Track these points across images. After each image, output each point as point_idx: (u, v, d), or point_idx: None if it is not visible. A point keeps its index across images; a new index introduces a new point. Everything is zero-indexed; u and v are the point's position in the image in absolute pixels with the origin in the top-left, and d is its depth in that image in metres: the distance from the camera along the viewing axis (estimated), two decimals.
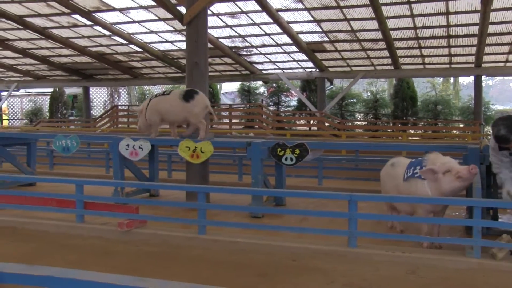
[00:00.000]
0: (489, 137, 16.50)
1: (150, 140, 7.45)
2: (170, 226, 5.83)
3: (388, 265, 4.51)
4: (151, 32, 14.74)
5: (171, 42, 15.62)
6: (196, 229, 5.42)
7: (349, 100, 20.24)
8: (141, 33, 14.89)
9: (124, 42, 15.45)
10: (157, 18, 13.40)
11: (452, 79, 24.64)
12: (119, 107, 20.87)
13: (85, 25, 14.31)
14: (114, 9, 13.04)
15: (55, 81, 21.16)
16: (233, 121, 18.96)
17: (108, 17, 13.69)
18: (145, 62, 17.91)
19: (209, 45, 12.48)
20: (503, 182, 4.86)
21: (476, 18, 11.79)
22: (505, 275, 4.26)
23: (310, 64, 16.50)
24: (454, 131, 17.24)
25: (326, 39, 14.32)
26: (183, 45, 11.77)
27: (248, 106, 20.60)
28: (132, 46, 15.81)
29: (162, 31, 14.66)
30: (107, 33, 14.72)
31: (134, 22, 13.94)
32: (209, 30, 13.17)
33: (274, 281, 4.18)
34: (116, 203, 6.37)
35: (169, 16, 12.09)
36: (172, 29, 14.26)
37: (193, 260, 4.78)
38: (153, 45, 15.98)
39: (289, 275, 4.29)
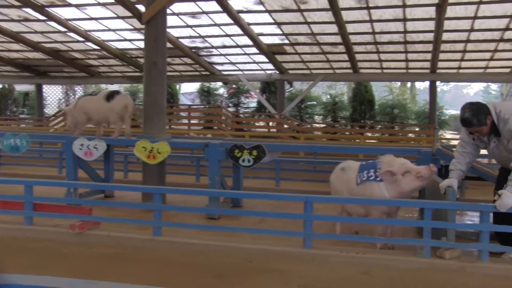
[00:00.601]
0: (443, 141, 16.99)
1: (106, 140, 7.31)
2: (125, 227, 5.72)
3: (343, 266, 4.56)
4: (109, 30, 14.45)
5: (130, 40, 15.36)
6: (151, 230, 5.33)
7: (308, 103, 20.39)
8: (98, 30, 14.57)
9: (81, 39, 15.05)
10: (115, 15, 13.15)
11: (409, 84, 25.16)
12: None
13: (38, 20, 13.83)
14: (70, 5, 12.68)
15: (4, 77, 20.26)
16: (191, 121, 18.82)
17: (64, 12, 13.30)
18: (102, 60, 17.55)
19: (169, 45, 12.37)
20: (449, 173, 4.98)
21: (431, 25, 12.05)
22: (453, 274, 4.40)
23: (270, 66, 16.53)
24: (410, 135, 17.59)
25: (286, 41, 14.37)
26: (142, 44, 11.58)
27: (207, 107, 20.50)
28: (89, 43, 15.44)
29: (121, 29, 14.40)
30: (63, 29, 14.30)
31: (91, 19, 13.61)
32: (168, 30, 13.02)
33: (230, 282, 4.16)
34: (69, 204, 6.21)
35: (128, 14, 11.88)
36: (131, 27, 14.03)
37: (148, 262, 4.70)
38: (111, 43, 15.67)
39: (245, 277, 4.27)
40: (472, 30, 12.30)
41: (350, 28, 12.75)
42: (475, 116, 4.56)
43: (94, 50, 16.22)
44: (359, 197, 5.18)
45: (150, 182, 7.25)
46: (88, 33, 14.67)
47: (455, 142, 18.11)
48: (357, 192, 5.24)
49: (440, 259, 4.59)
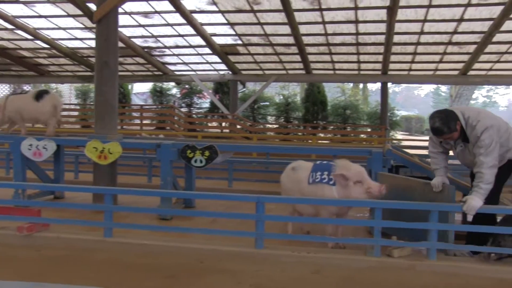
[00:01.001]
0: (394, 141, 17.40)
1: (56, 140, 7.18)
2: (75, 229, 5.65)
3: (294, 266, 4.61)
4: (59, 28, 14.14)
5: (81, 39, 15.07)
6: (102, 232, 5.27)
7: (261, 103, 20.52)
8: (48, 28, 14.24)
9: (29, 37, 14.67)
10: (65, 14, 12.89)
11: (361, 85, 25.64)
12: None
13: None
14: (17, 1, 12.35)
15: None
16: (144, 122, 18.62)
17: (11, 9, 12.95)
18: (52, 59, 17.13)
19: (121, 44, 12.21)
20: (434, 173, 5.15)
21: (382, 27, 12.35)
22: (402, 272, 4.52)
23: (223, 66, 16.54)
24: (362, 135, 17.94)
25: (239, 42, 14.43)
26: (93, 43, 11.37)
27: (159, 107, 20.33)
28: (38, 41, 15.06)
29: (71, 28, 14.11)
30: (10, 26, 13.91)
31: (40, 16, 13.29)
32: (120, 29, 12.89)
33: (182, 283, 4.16)
34: (16, 206, 6.07)
35: (79, 12, 11.70)
36: (82, 26, 13.78)
37: (99, 263, 4.65)
38: (61, 41, 15.34)
39: (197, 277, 4.28)
40: (422, 32, 12.69)
41: (302, 29, 12.91)
42: (445, 124, 4.65)
43: (44, 48, 15.83)
44: (310, 197, 5.25)
45: (101, 183, 7.16)
46: (37, 31, 14.32)
47: (407, 143, 18.66)
48: (308, 191, 5.29)
49: (390, 258, 4.71)
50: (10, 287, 2.03)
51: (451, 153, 5.14)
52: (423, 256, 4.78)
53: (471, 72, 15.17)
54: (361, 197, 5.02)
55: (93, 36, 11.57)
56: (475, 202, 4.49)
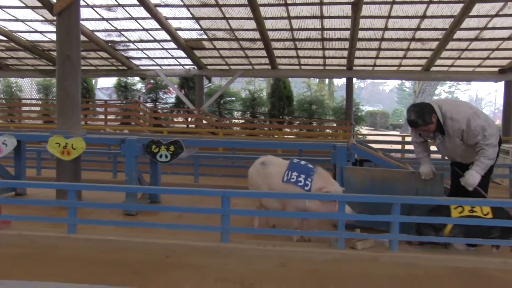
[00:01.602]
0: (359, 136, 17.60)
1: (17, 135, 7.01)
2: (37, 226, 5.52)
3: (260, 259, 4.63)
4: (17, 20, 13.79)
5: (41, 32, 14.75)
6: (66, 228, 5.18)
7: (227, 98, 20.51)
8: (5, 20, 13.86)
9: None
10: (23, 5, 12.58)
11: (327, 80, 25.88)
12: None
13: None
14: None
15: None
16: (108, 117, 18.38)
17: None
18: (11, 52, 16.70)
19: (83, 38, 11.98)
20: (420, 161, 5.36)
21: (347, 23, 12.48)
22: (365, 263, 4.60)
23: (188, 61, 16.45)
24: (327, 130, 18.11)
25: (204, 36, 14.36)
26: (54, 36, 11.12)
27: (124, 102, 20.09)
28: None
29: (30, 20, 13.78)
30: None
31: None
32: (83, 22, 12.68)
33: (147, 278, 4.12)
34: None
35: (38, 4, 11.42)
36: (42, 18, 13.48)
37: (63, 260, 4.56)
38: (20, 34, 14.97)
39: (162, 272, 4.25)
40: (386, 29, 12.89)
41: (268, 24, 12.95)
42: (420, 117, 4.83)
43: (1, 41, 15.41)
44: (276, 192, 5.27)
45: (65, 179, 7.02)
46: None
47: (371, 138, 18.93)
48: (280, 189, 5.26)
49: (354, 250, 4.77)
50: (12, 286, 1.97)
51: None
52: (386, 247, 4.86)
53: (434, 68, 15.49)
54: (330, 210, 5.03)
55: (54, 29, 11.35)
56: (476, 174, 4.72)
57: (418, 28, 12.73)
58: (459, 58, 14.73)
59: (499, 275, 4.36)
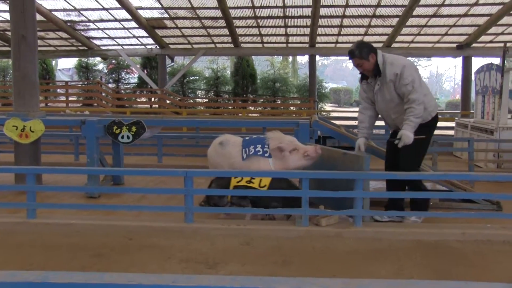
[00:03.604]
0: (323, 113, 17.70)
1: None
2: None
3: (224, 238, 4.64)
4: None
5: None
6: (25, 213, 5.08)
7: (191, 78, 20.35)
8: None
9: None
10: None
11: (290, 58, 25.89)
12: None
13: None
14: None
15: None
16: (70, 99, 18.02)
17: None
18: None
19: (40, 18, 11.66)
20: (358, 132, 5.39)
21: (309, 0, 12.46)
22: (329, 240, 4.63)
23: (150, 40, 16.21)
24: (291, 108, 18.18)
25: (166, 15, 14.16)
26: (8, 16, 10.67)
27: (86, 83, 19.72)
28: None
29: None
30: None
31: None
32: (40, 1, 12.32)
33: (110, 261, 4.10)
34: None
35: None
36: None
37: (21, 246, 4.48)
38: None
39: (125, 254, 4.23)
40: (347, 5, 12.96)
41: (230, 2, 12.86)
42: (358, 48, 4.97)
43: None
44: (238, 170, 5.27)
45: (23, 163, 6.86)
46: None
47: (335, 115, 19.07)
48: (243, 166, 5.28)
49: (318, 227, 4.82)
50: (10, 276, 1.90)
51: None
52: (350, 223, 4.93)
53: (395, 45, 15.67)
54: (300, 163, 5.12)
55: (8, 8, 10.99)
56: (408, 133, 4.78)
57: (378, 5, 12.83)
58: (418, 34, 14.94)
59: (458, 246, 4.49)
